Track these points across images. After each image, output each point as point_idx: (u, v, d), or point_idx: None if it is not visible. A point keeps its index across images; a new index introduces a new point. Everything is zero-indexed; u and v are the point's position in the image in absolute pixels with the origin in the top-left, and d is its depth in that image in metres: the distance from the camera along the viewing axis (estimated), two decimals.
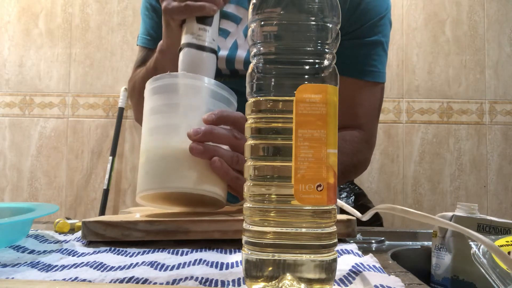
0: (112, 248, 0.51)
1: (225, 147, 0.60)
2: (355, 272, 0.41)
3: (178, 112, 0.59)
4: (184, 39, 0.67)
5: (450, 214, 0.56)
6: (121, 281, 0.38)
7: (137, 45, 0.99)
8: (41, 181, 2.25)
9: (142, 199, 0.61)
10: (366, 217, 0.50)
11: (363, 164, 0.93)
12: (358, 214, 0.53)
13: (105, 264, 0.44)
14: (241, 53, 0.88)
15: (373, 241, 0.63)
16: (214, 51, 0.67)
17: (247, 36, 0.37)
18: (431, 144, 2.26)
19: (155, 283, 0.38)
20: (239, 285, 0.38)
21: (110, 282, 0.38)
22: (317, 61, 0.35)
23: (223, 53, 0.89)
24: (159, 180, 0.58)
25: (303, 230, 0.34)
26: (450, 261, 0.55)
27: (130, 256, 0.47)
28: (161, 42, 0.78)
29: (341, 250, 0.49)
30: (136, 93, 0.92)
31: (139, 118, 0.83)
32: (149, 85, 0.63)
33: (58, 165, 2.25)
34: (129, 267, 0.43)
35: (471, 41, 2.28)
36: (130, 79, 0.97)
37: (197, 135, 0.57)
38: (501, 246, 0.46)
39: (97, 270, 0.42)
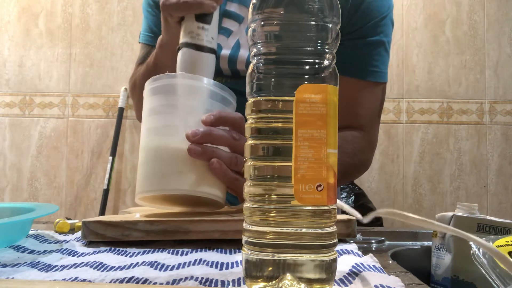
0: (112, 248, 0.51)
1: (224, 148, 0.60)
2: (355, 272, 0.41)
3: (176, 113, 0.59)
4: (183, 38, 0.66)
5: (450, 214, 0.56)
6: (121, 281, 0.38)
7: (139, 42, 0.99)
8: (41, 181, 2.25)
9: (141, 200, 0.61)
10: (366, 219, 0.50)
11: (364, 165, 0.93)
12: (359, 216, 0.53)
13: (105, 264, 0.44)
14: (243, 53, 0.88)
15: (373, 241, 0.63)
16: (213, 51, 0.66)
17: (247, 36, 0.37)
18: (431, 144, 2.26)
19: (155, 283, 0.38)
20: (239, 285, 0.38)
21: (110, 282, 0.38)
22: (317, 61, 0.35)
23: (226, 52, 0.89)
24: (157, 182, 0.57)
25: (303, 230, 0.34)
26: (450, 261, 0.55)
27: (130, 256, 0.47)
28: (160, 37, 0.77)
29: (341, 250, 0.49)
30: (137, 91, 0.91)
31: (140, 117, 0.83)
32: (148, 86, 0.62)
33: (58, 165, 2.25)
34: (129, 267, 0.43)
35: (471, 41, 2.28)
36: (131, 76, 0.96)
37: (195, 137, 0.57)
38: (501, 246, 0.46)
39: (97, 270, 0.42)
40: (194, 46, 0.65)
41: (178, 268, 0.43)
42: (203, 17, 0.65)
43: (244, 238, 0.36)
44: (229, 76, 0.90)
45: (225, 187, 0.61)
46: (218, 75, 0.90)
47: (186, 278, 0.39)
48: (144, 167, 0.59)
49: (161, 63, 0.80)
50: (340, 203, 0.51)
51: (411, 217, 0.38)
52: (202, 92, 0.61)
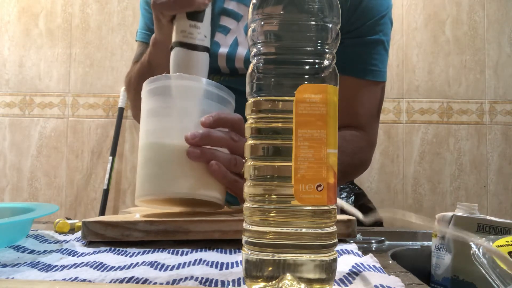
0: (112, 248, 0.51)
1: (224, 150, 0.60)
2: (355, 272, 0.41)
3: (173, 114, 0.59)
4: (175, 37, 0.65)
5: (450, 214, 0.56)
6: (121, 281, 0.38)
7: (136, 40, 0.98)
8: (41, 181, 2.25)
9: (141, 203, 0.61)
10: (368, 221, 0.50)
11: (364, 164, 0.93)
12: (360, 216, 0.52)
13: (105, 264, 0.44)
14: (241, 51, 0.88)
15: (373, 241, 0.63)
16: (207, 49, 0.65)
17: (247, 36, 0.37)
18: (431, 144, 2.26)
19: (155, 283, 0.38)
20: (239, 285, 0.38)
21: (110, 282, 0.38)
22: (317, 61, 0.35)
23: (224, 50, 0.89)
24: (157, 185, 0.57)
25: (303, 230, 0.34)
26: (450, 261, 0.55)
27: (130, 256, 0.47)
28: (153, 35, 0.77)
29: (341, 250, 0.49)
30: (132, 89, 0.91)
31: (136, 115, 0.82)
32: (145, 87, 0.62)
33: (58, 165, 2.25)
34: (129, 267, 0.43)
35: (471, 41, 2.28)
36: (127, 74, 0.96)
37: (194, 139, 0.56)
38: (501, 246, 0.46)
39: (97, 270, 0.42)
40: (186, 45, 0.64)
41: (178, 268, 0.43)
42: (195, 15, 0.65)
43: (244, 238, 0.36)
44: (227, 74, 0.90)
45: (225, 188, 0.61)
46: (216, 73, 0.90)
47: (186, 278, 0.39)
48: (143, 169, 0.59)
49: (155, 62, 0.80)
50: (340, 202, 0.51)
51: (413, 223, 0.38)
52: (199, 93, 0.60)
